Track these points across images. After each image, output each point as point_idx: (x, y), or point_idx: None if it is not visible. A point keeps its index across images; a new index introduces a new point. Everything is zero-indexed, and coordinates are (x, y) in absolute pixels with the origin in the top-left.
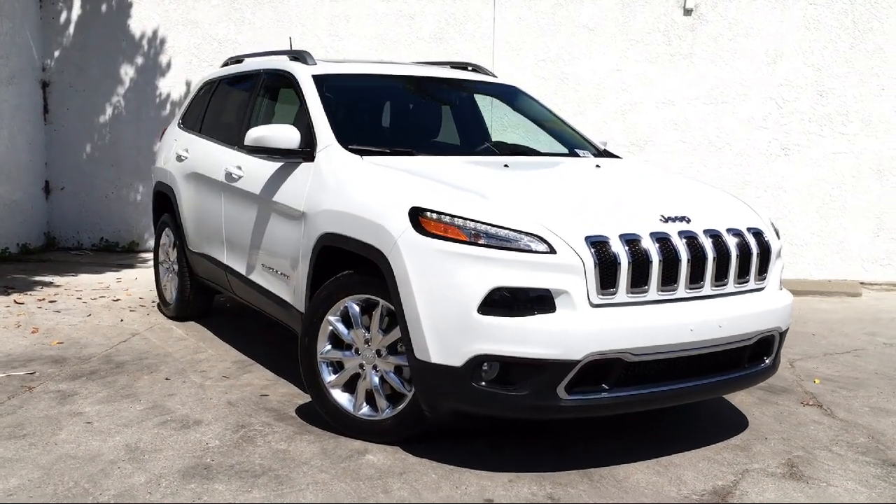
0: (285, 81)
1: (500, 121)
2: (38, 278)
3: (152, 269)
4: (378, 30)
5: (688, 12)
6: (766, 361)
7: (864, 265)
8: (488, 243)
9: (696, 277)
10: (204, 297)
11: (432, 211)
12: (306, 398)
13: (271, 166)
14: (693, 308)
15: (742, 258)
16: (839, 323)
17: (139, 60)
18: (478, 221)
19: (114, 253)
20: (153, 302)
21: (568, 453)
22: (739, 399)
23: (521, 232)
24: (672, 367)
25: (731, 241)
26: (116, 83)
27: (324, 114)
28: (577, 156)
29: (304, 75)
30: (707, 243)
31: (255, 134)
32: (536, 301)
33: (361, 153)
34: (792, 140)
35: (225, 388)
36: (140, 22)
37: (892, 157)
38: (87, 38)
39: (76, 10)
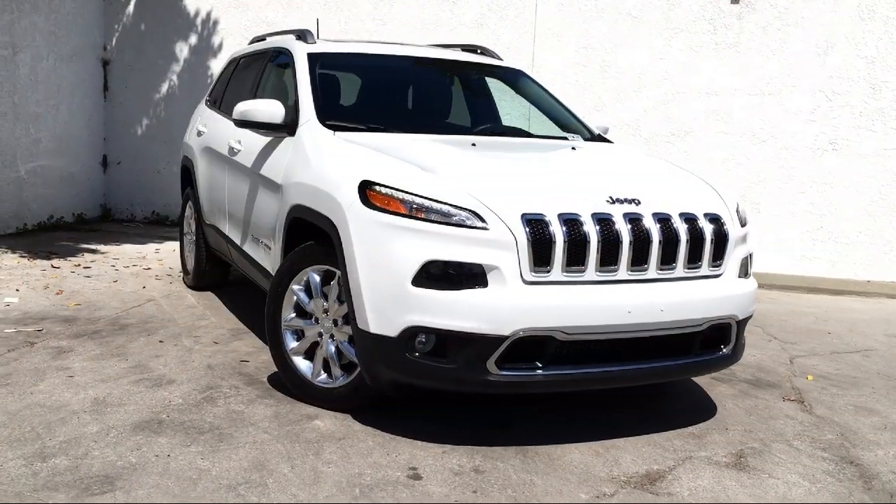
0: (286, 59)
1: (500, 103)
2: (83, 246)
3: None
4: (421, 14)
5: (735, 1)
6: (724, 350)
7: None
8: (426, 217)
9: (639, 260)
10: (218, 268)
11: (379, 184)
12: None
13: (262, 140)
14: (633, 290)
15: (694, 243)
16: (863, 323)
17: (192, 41)
18: (417, 195)
19: (163, 226)
20: (180, 272)
21: (512, 431)
22: (717, 390)
23: (457, 207)
24: (612, 349)
25: (682, 226)
26: (171, 63)
27: (310, 90)
28: (566, 139)
29: (299, 52)
30: (654, 227)
31: (242, 108)
32: (469, 275)
33: (335, 129)
34: (841, 134)
35: (210, 353)
36: (194, 4)
37: None
38: (145, 19)
39: None
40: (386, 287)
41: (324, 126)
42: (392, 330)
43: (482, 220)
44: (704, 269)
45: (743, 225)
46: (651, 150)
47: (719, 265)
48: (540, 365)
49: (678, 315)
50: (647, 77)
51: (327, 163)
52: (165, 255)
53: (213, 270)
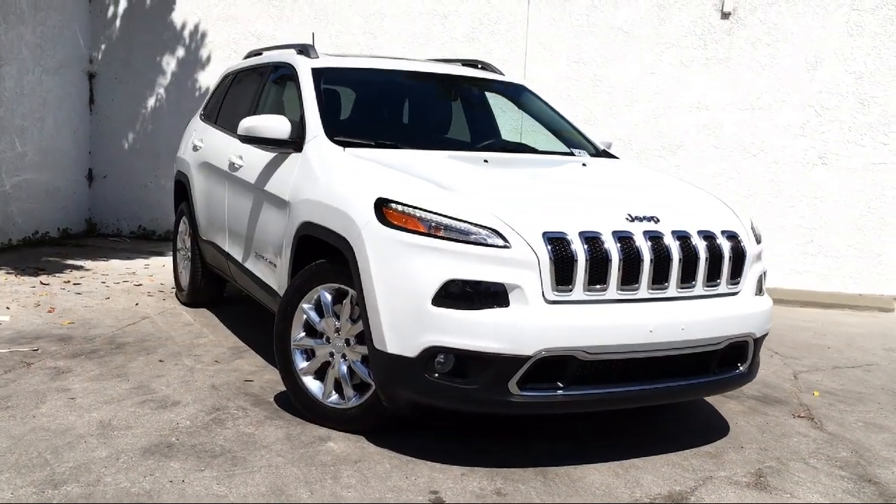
0: (288, 74)
1: (501, 118)
2: (70, 262)
3: None
4: (412, 28)
5: (725, 16)
6: (741, 368)
7: None
8: (446, 235)
9: (659, 278)
10: (214, 284)
11: (395, 202)
12: None
13: (266, 156)
14: (655, 309)
15: (713, 261)
16: (860, 337)
17: (180, 54)
18: (436, 213)
19: (150, 241)
20: (172, 288)
21: (531, 451)
22: (728, 407)
23: (477, 225)
24: (632, 368)
25: (701, 244)
26: (158, 76)
27: (316, 105)
28: (573, 155)
29: (303, 67)
30: (674, 244)
31: (248, 124)
32: (490, 295)
33: (344, 145)
34: (830, 149)
35: (213, 373)
36: (182, 17)
37: None
38: (133, 31)
39: (122, 5)
40: (404, 306)
41: (332, 142)
42: (411, 350)
43: (504, 238)
44: (723, 286)
45: (758, 242)
46: (643, 164)
47: (737, 283)
48: (561, 385)
49: (698, 334)
50: (639, 91)
51: (339, 180)
52: (155, 270)
53: (209, 287)
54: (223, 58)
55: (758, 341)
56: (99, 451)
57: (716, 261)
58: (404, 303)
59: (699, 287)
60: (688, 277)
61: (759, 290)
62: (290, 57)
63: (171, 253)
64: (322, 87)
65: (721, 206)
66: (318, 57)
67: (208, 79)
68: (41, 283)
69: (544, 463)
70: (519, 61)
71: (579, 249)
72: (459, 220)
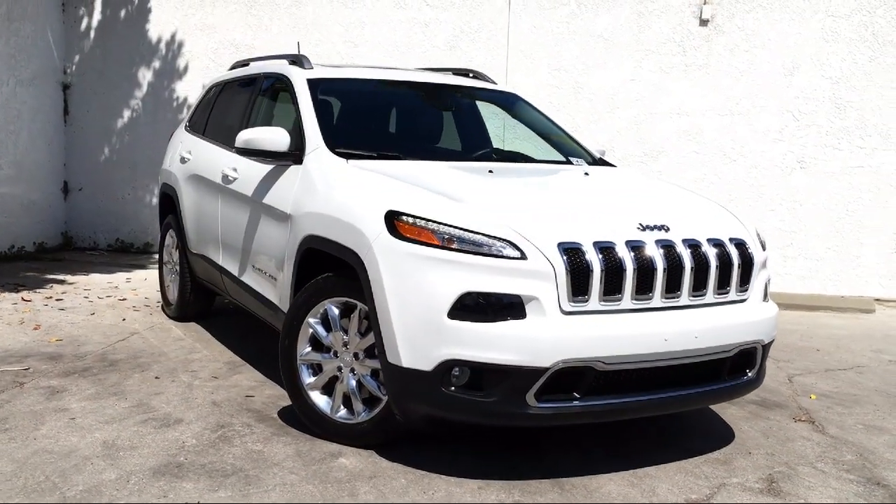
0: (282, 85)
1: (497, 128)
2: (49, 276)
3: None
4: (393, 37)
5: (704, 23)
6: (749, 374)
7: (880, 281)
8: (460, 248)
9: (672, 287)
10: (204, 298)
11: (407, 214)
12: (290, 401)
13: (263, 168)
14: (668, 318)
15: (722, 269)
16: (846, 339)
17: (157, 64)
18: (450, 226)
19: (128, 253)
20: (157, 302)
21: (544, 462)
22: (730, 413)
23: (492, 237)
24: (647, 378)
25: (711, 252)
26: (134, 87)
27: (314, 117)
28: (571, 163)
29: (298, 79)
30: (685, 253)
31: (246, 136)
32: (507, 307)
33: (347, 156)
34: (808, 153)
35: (212, 389)
36: (158, 26)
37: None
38: (108, 42)
39: (97, 15)
40: (419, 320)
41: (334, 154)
42: (427, 364)
43: (519, 250)
44: (732, 294)
45: (763, 249)
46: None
47: (746, 290)
48: (577, 395)
49: (711, 341)
50: (620, 98)
51: (345, 192)
52: (137, 284)
53: (198, 301)
54: (201, 68)
55: (766, 347)
56: (107, 472)
57: (725, 268)
58: (419, 316)
59: (710, 295)
60: (699, 285)
61: (765, 297)
62: (283, 67)
63: (158, 266)
64: (319, 98)
65: (726, 213)
66: (312, 67)
67: (186, 89)
68: (23, 299)
69: (558, 474)
70: (500, 69)
71: (594, 259)
72: (474, 232)
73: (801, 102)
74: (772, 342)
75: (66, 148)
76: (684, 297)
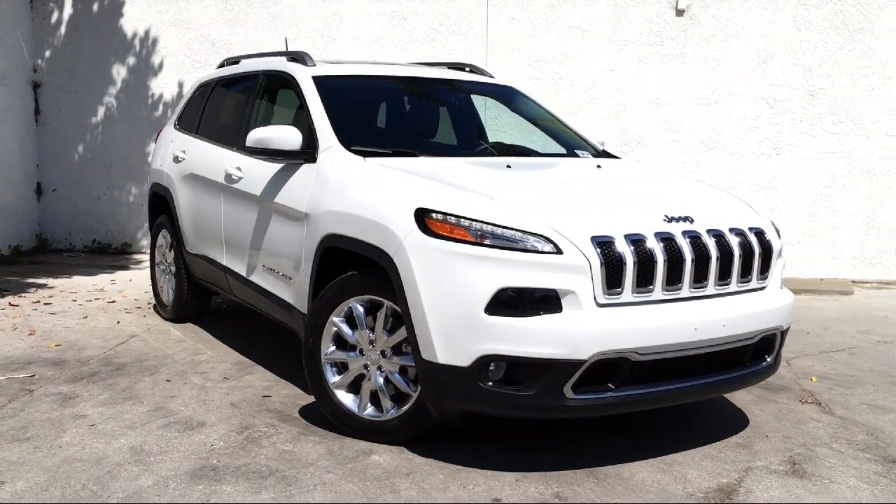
0: (284, 83)
1: (496, 121)
2: (31, 280)
3: (146, 271)
4: (371, 31)
5: (680, 13)
6: (768, 360)
7: (854, 263)
8: (494, 244)
9: (699, 277)
10: (201, 298)
11: (438, 212)
12: (309, 399)
13: (271, 168)
14: (697, 307)
15: (744, 258)
16: (833, 321)
17: (131, 61)
18: (484, 222)
19: (106, 254)
20: (149, 304)
21: (569, 452)
22: (739, 397)
23: (527, 232)
24: (676, 366)
25: (734, 241)
26: (108, 84)
27: (325, 115)
28: (577, 156)
29: (304, 77)
30: (710, 243)
31: (258, 135)
32: (543, 301)
33: (364, 154)
34: (783, 140)
35: (227, 390)
36: (132, 22)
37: (881, 157)
38: (79, 38)
39: (67, 11)
40: (456, 316)
41: (350, 152)
42: (464, 360)
43: (554, 244)
44: (753, 282)
45: (778, 237)
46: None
47: (766, 278)
48: (612, 386)
49: (737, 329)
50: (599, 88)
51: (367, 190)
52: (123, 286)
53: (195, 301)
54: (176, 64)
55: (784, 333)
56: (144, 478)
57: (747, 257)
58: (455, 312)
59: (734, 284)
60: (723, 275)
61: (780, 284)
62: (285, 65)
63: (150, 267)
64: (327, 96)
65: (741, 203)
66: (314, 64)
67: (161, 86)
68: (10, 304)
69: (588, 463)
70: (480, 61)
71: (626, 252)
72: (509, 228)
73: (775, 90)
74: (789, 328)
75: (39, 148)
76: (710, 287)
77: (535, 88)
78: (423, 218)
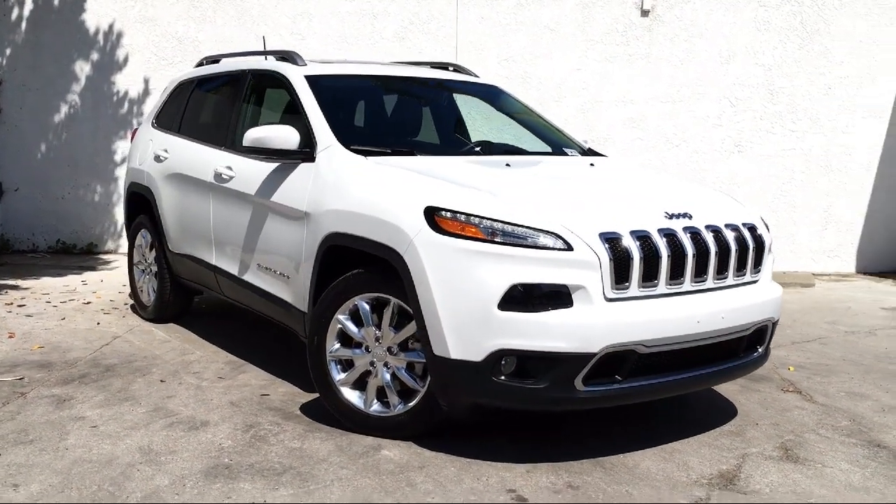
0: (275, 82)
1: (485, 121)
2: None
3: (117, 272)
4: (341, 29)
5: (645, 13)
6: (759, 350)
7: (813, 257)
8: (505, 241)
9: (699, 271)
10: (183, 298)
11: (448, 210)
12: (308, 397)
13: (266, 167)
14: (698, 300)
15: (740, 252)
16: (799, 313)
17: (95, 58)
18: (494, 220)
19: (71, 255)
20: (125, 304)
21: (573, 443)
22: (724, 387)
23: (537, 229)
24: (679, 358)
25: (730, 236)
26: (72, 81)
27: (321, 114)
28: (566, 154)
29: (296, 76)
30: (709, 238)
31: (255, 135)
32: (553, 296)
33: (365, 153)
34: (745, 137)
35: (223, 389)
36: (95, 18)
37: (838, 154)
38: (40, 34)
39: (28, 6)
40: (468, 312)
41: (349, 151)
42: (477, 355)
43: (564, 241)
44: (748, 275)
45: (769, 231)
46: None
47: (759, 271)
48: (619, 378)
49: (735, 321)
50: (567, 87)
51: (371, 189)
52: (95, 286)
53: (178, 301)
54: (143, 61)
55: (775, 324)
56: (158, 478)
57: (742, 251)
58: (468, 309)
59: (730, 277)
60: (721, 269)
61: (769, 277)
62: (275, 64)
63: (128, 268)
64: (322, 95)
65: (732, 200)
66: (305, 64)
67: (127, 83)
68: None
69: (595, 454)
70: (450, 60)
71: (633, 248)
72: (519, 225)
73: (737, 89)
74: (778, 320)
75: (0, 147)
76: (710, 281)
77: (505, 87)
78: (433, 216)
